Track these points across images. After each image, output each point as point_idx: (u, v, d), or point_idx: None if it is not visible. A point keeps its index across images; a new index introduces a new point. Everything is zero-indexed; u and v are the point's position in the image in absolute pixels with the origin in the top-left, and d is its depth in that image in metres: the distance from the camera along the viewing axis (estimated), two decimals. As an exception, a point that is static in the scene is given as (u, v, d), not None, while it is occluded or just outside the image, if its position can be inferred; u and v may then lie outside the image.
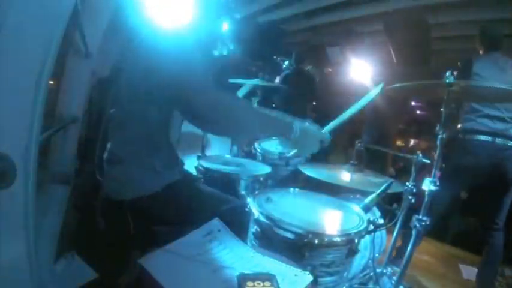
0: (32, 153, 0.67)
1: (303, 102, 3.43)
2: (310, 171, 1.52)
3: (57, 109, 1.42)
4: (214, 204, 1.16)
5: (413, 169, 1.44)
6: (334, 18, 3.59)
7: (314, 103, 4.38)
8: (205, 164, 1.55)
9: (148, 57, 1.02)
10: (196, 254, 0.85)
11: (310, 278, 0.81)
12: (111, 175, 1.12)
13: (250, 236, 1.05)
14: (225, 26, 3.25)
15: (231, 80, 2.35)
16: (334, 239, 0.95)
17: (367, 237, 1.14)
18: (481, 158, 1.94)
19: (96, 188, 1.16)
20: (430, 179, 1.29)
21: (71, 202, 1.42)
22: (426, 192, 1.30)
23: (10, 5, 0.59)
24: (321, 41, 4.09)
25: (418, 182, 1.35)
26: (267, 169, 1.68)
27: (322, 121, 1.24)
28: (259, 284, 0.73)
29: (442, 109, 1.29)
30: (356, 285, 1.41)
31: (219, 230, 0.95)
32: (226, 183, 1.49)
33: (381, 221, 1.33)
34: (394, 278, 1.46)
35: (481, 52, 2.18)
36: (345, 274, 1.02)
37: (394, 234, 1.57)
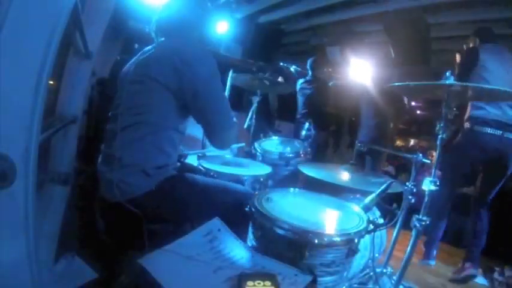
0: (32, 153, 0.67)
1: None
2: (310, 171, 1.52)
3: (57, 109, 1.42)
4: (212, 197, 1.16)
5: (413, 169, 1.44)
6: (334, 18, 3.59)
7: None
8: (206, 164, 1.55)
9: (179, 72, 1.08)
10: (196, 254, 0.85)
11: (310, 277, 0.81)
12: (105, 176, 1.12)
13: (250, 236, 1.05)
14: (225, 27, 3.25)
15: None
16: (334, 239, 0.95)
17: (367, 237, 1.13)
18: (489, 152, 1.94)
19: (96, 188, 1.16)
20: (430, 179, 1.29)
21: (71, 202, 1.42)
22: (426, 192, 1.31)
23: (10, 5, 0.59)
24: (321, 41, 4.09)
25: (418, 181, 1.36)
26: (267, 169, 1.68)
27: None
28: (259, 283, 0.73)
29: (442, 109, 1.28)
30: (356, 285, 1.41)
31: (219, 230, 0.96)
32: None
33: (381, 221, 1.33)
34: (394, 277, 1.46)
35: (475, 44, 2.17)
36: (344, 274, 1.02)
37: (394, 234, 1.57)
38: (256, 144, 2.03)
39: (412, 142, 6.66)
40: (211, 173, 1.48)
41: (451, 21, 3.10)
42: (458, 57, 2.24)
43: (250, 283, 0.73)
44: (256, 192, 1.19)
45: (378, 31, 3.40)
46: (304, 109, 3.51)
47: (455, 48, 3.58)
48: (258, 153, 1.98)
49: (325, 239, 0.93)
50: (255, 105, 2.19)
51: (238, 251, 0.90)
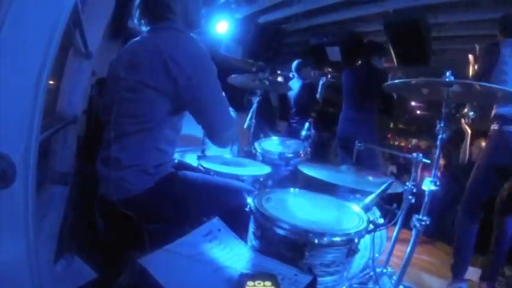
0: (32, 153, 0.67)
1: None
2: (310, 171, 1.52)
3: (57, 109, 1.42)
4: (212, 195, 1.16)
5: (413, 169, 1.44)
6: (334, 18, 3.59)
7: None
8: (206, 164, 1.55)
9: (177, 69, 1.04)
10: (196, 254, 0.85)
11: (310, 277, 0.81)
12: (104, 176, 1.12)
13: (250, 235, 1.05)
14: (225, 27, 3.25)
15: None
16: (334, 239, 0.95)
17: (367, 237, 1.13)
18: None
19: (96, 188, 1.16)
20: (430, 179, 1.29)
21: (71, 202, 1.42)
22: (426, 192, 1.31)
23: (10, 4, 0.59)
24: (321, 41, 4.09)
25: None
26: (267, 169, 1.68)
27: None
28: (259, 283, 0.73)
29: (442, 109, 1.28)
30: (356, 285, 1.41)
31: (219, 230, 0.96)
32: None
33: (381, 220, 1.33)
34: (394, 277, 1.46)
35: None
36: (344, 274, 1.02)
37: (394, 234, 1.57)
38: (256, 144, 2.03)
39: (413, 142, 6.66)
40: (211, 173, 1.48)
41: (451, 21, 3.10)
42: (472, 58, 2.11)
43: (250, 283, 0.73)
44: (256, 192, 1.19)
45: (378, 31, 3.39)
46: (293, 108, 3.62)
47: (455, 48, 3.60)
48: (257, 153, 1.98)
49: (325, 239, 0.93)
50: (255, 105, 2.19)
51: (238, 251, 0.90)
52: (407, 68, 3.43)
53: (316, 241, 0.92)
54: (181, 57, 1.05)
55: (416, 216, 1.31)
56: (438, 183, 1.29)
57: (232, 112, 1.22)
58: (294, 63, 3.61)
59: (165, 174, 1.13)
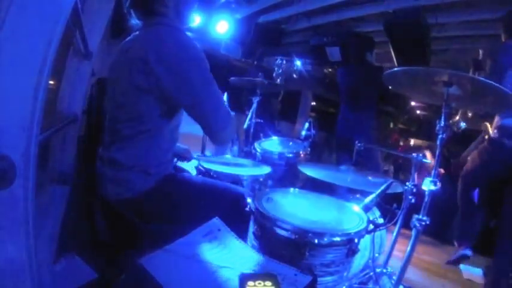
0: (32, 153, 0.67)
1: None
2: (310, 171, 1.52)
3: (57, 109, 1.42)
4: (211, 196, 1.16)
5: (412, 169, 1.44)
6: (334, 18, 3.58)
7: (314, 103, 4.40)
8: (205, 164, 1.55)
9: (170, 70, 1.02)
10: (196, 254, 0.85)
11: (310, 277, 0.81)
12: (105, 175, 1.12)
13: (250, 235, 1.05)
14: (225, 27, 3.25)
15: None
16: (334, 239, 0.95)
17: (367, 237, 1.13)
18: None
19: (96, 188, 1.16)
20: (430, 178, 1.29)
21: (71, 202, 1.42)
22: (426, 192, 1.30)
23: (10, 4, 0.59)
24: (321, 41, 4.09)
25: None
26: (267, 169, 1.68)
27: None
28: (260, 283, 0.73)
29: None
30: (356, 285, 1.41)
31: (219, 230, 0.95)
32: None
33: (381, 220, 1.33)
34: (394, 277, 1.46)
35: (503, 39, 2.00)
36: (344, 274, 1.02)
37: (394, 234, 1.57)
38: (256, 144, 2.03)
39: (412, 142, 6.66)
40: (211, 173, 1.48)
41: (451, 21, 3.10)
42: (482, 54, 2.03)
43: (250, 283, 0.73)
44: (257, 192, 1.19)
45: (378, 31, 3.39)
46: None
47: (455, 48, 3.60)
48: (257, 153, 1.98)
49: (325, 239, 0.93)
50: (254, 105, 2.19)
51: (238, 251, 0.90)
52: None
53: (316, 241, 0.92)
54: (168, 55, 1.02)
55: (416, 216, 1.31)
56: (438, 183, 1.29)
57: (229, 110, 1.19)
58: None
59: (165, 175, 1.13)
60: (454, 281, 2.12)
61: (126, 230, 1.13)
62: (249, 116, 2.20)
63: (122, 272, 0.95)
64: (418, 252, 2.16)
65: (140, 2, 1.12)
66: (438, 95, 1.28)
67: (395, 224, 1.36)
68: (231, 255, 0.87)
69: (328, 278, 0.96)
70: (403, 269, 1.36)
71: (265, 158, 1.94)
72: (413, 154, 1.46)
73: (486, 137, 2.04)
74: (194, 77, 1.04)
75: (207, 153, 2.15)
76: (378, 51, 3.33)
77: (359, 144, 1.70)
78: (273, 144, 2.10)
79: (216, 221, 0.98)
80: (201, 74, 1.06)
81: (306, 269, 0.87)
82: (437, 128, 1.28)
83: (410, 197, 1.35)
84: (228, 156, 1.97)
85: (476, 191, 2.08)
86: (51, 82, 1.43)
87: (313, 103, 5.44)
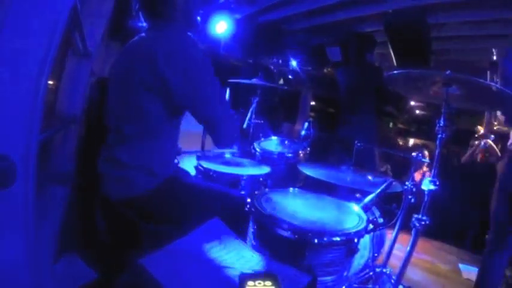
0: (32, 153, 0.67)
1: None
2: (310, 171, 1.52)
3: (57, 109, 1.42)
4: (211, 198, 1.16)
5: (412, 168, 1.44)
6: (334, 18, 3.58)
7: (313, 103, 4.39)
8: (205, 164, 1.55)
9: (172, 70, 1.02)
10: (196, 254, 0.85)
11: (309, 277, 0.81)
12: (108, 175, 1.12)
13: (250, 235, 1.05)
14: (225, 27, 3.25)
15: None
16: (334, 239, 0.95)
17: (367, 237, 1.14)
18: None
19: (96, 188, 1.16)
20: (430, 178, 1.29)
21: (71, 202, 1.42)
22: (426, 192, 1.31)
23: (10, 5, 0.59)
24: (321, 41, 4.09)
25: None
26: (267, 169, 1.68)
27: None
28: (260, 283, 0.73)
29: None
30: (355, 285, 1.41)
31: (219, 230, 0.96)
32: (226, 183, 1.49)
33: (381, 220, 1.33)
34: (394, 277, 1.46)
35: None
36: (344, 273, 1.02)
37: (394, 234, 1.57)
38: (255, 144, 2.03)
39: (412, 142, 6.67)
40: (211, 173, 1.49)
41: (451, 22, 3.10)
42: (496, 53, 2.00)
43: (250, 283, 0.73)
44: (256, 192, 1.19)
45: (378, 31, 3.39)
46: None
47: (455, 48, 3.60)
48: (257, 153, 1.98)
49: (325, 239, 0.93)
50: (254, 105, 2.19)
51: (238, 251, 0.90)
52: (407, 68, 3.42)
53: (316, 241, 0.92)
54: (177, 57, 1.03)
55: (416, 216, 1.32)
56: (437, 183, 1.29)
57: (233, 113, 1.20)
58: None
59: (168, 175, 1.13)
60: (454, 281, 2.12)
61: (126, 230, 1.13)
62: (248, 116, 2.20)
63: (122, 272, 0.95)
64: (418, 252, 2.17)
65: (150, 5, 1.13)
66: (438, 95, 1.29)
67: (395, 223, 1.37)
68: (231, 255, 0.87)
69: (328, 278, 0.96)
70: (403, 269, 1.36)
71: (264, 158, 1.94)
72: (413, 154, 1.46)
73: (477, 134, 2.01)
74: (201, 80, 1.07)
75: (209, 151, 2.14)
76: (378, 52, 3.33)
77: (359, 144, 1.70)
78: (272, 144, 2.10)
79: (216, 221, 0.98)
80: (208, 77, 1.09)
81: (305, 269, 0.87)
82: (436, 128, 1.28)
83: (410, 196, 1.35)
84: (228, 155, 1.97)
85: None
86: (51, 82, 1.43)
87: (313, 103, 5.45)
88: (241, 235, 1.01)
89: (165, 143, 1.14)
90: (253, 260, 0.87)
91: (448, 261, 2.40)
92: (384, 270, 1.58)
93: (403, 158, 1.52)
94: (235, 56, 3.96)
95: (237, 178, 1.53)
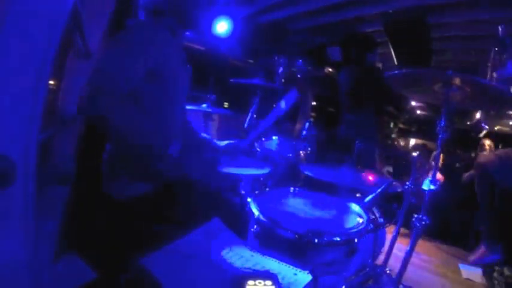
0: (32, 153, 0.67)
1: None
2: (310, 171, 1.52)
3: (57, 109, 1.42)
4: (213, 201, 1.16)
5: (412, 168, 1.44)
6: (334, 18, 3.58)
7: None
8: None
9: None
10: (196, 254, 0.85)
11: (309, 277, 0.81)
12: (110, 175, 1.12)
13: (250, 235, 1.05)
14: (226, 26, 3.25)
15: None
16: (334, 239, 0.95)
17: (367, 237, 1.14)
18: None
19: (96, 188, 1.16)
20: (430, 178, 1.29)
21: (71, 202, 1.42)
22: (426, 192, 1.31)
23: (10, 5, 0.59)
24: (321, 41, 4.09)
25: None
26: (267, 169, 1.68)
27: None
28: (260, 283, 0.73)
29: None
30: (356, 285, 1.41)
31: (219, 230, 0.96)
32: (226, 183, 1.49)
33: (381, 220, 1.33)
34: (394, 277, 1.46)
35: None
36: (344, 273, 1.02)
37: (394, 234, 1.57)
38: (256, 144, 2.03)
39: (412, 142, 6.66)
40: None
41: (452, 22, 3.10)
42: (501, 30, 1.89)
43: (251, 283, 0.73)
44: (257, 192, 1.19)
45: (378, 31, 3.39)
46: None
47: (455, 48, 3.60)
48: (258, 153, 1.98)
49: (325, 239, 0.93)
50: (255, 105, 2.19)
51: (238, 251, 0.90)
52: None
53: (316, 241, 0.92)
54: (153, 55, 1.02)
55: (416, 216, 1.32)
56: (438, 183, 1.29)
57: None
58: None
59: (170, 176, 1.13)
60: (454, 280, 2.12)
61: (126, 230, 1.13)
62: (249, 116, 2.20)
63: (122, 272, 0.95)
64: (418, 252, 2.17)
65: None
66: (439, 95, 1.29)
67: (395, 223, 1.37)
68: (230, 255, 0.87)
69: (328, 278, 0.96)
70: (403, 269, 1.36)
71: (265, 158, 1.94)
72: (414, 154, 1.46)
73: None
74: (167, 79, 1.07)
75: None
76: (379, 52, 3.32)
77: (359, 144, 1.70)
78: (273, 144, 2.10)
79: (216, 221, 0.98)
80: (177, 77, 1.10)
81: (306, 269, 0.87)
82: (437, 128, 1.28)
83: (410, 196, 1.35)
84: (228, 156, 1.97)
85: None
86: (51, 82, 1.43)
87: (314, 103, 5.44)
88: (241, 235, 1.01)
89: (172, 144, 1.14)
90: (253, 259, 0.87)
91: (448, 261, 2.39)
92: (385, 270, 1.58)
93: (404, 158, 1.52)
94: (236, 56, 3.96)
95: (237, 178, 1.53)
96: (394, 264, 1.62)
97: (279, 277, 0.77)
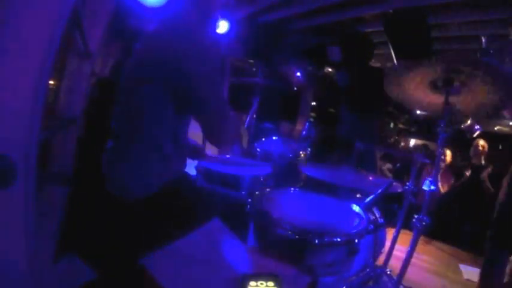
0: (32, 153, 0.67)
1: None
2: (310, 171, 1.52)
3: (57, 109, 1.42)
4: (214, 202, 1.16)
5: (413, 168, 1.44)
6: (334, 18, 3.59)
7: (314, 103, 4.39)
8: (205, 164, 1.54)
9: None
10: (197, 254, 0.85)
11: (310, 277, 0.81)
12: (112, 175, 1.12)
13: (251, 236, 1.05)
14: (226, 27, 3.25)
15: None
16: (335, 239, 0.95)
17: (367, 237, 1.13)
18: None
19: (96, 188, 1.16)
20: (430, 179, 1.29)
21: (71, 202, 1.42)
22: (426, 192, 1.30)
23: (10, 5, 0.59)
24: (321, 41, 4.09)
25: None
26: (267, 169, 1.68)
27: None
28: (262, 283, 0.73)
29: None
30: (356, 285, 1.41)
31: (220, 230, 0.95)
32: (226, 183, 1.49)
33: (381, 221, 1.33)
34: (394, 278, 1.45)
35: None
36: (345, 274, 1.02)
37: (394, 234, 1.57)
38: (256, 144, 2.03)
39: (412, 142, 6.66)
40: (211, 173, 1.48)
41: (452, 22, 3.10)
42: (485, 42, 1.91)
43: (252, 283, 0.73)
44: (257, 192, 1.19)
45: (378, 31, 3.39)
46: None
47: (455, 48, 3.59)
48: (258, 153, 1.98)
49: (326, 239, 0.93)
50: (255, 105, 2.19)
51: (238, 251, 0.90)
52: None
53: (316, 241, 0.92)
54: (180, 51, 1.00)
55: (417, 216, 1.31)
56: (438, 183, 1.29)
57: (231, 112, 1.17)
58: None
59: (171, 177, 1.13)
60: (454, 281, 2.12)
61: (127, 230, 1.13)
62: (249, 116, 2.20)
63: (122, 272, 0.95)
64: (418, 252, 2.17)
65: None
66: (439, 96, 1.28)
67: (395, 224, 1.36)
68: (231, 255, 0.87)
69: (329, 278, 0.96)
70: (403, 269, 1.36)
71: (265, 158, 1.94)
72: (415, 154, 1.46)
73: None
74: (202, 77, 1.03)
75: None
76: (379, 52, 3.32)
77: (359, 145, 1.70)
78: (273, 144, 2.10)
79: (216, 221, 0.98)
80: (210, 74, 1.05)
81: (306, 269, 0.87)
82: (438, 128, 1.28)
83: (410, 196, 1.35)
84: (228, 156, 1.97)
85: None
86: (51, 82, 1.43)
87: (313, 103, 5.44)
88: (242, 235, 1.01)
89: (169, 148, 1.13)
90: (253, 260, 0.86)
91: (449, 261, 2.39)
92: (385, 270, 1.58)
93: (404, 158, 1.52)
94: (236, 57, 3.96)
95: (237, 178, 1.52)
96: (395, 264, 1.62)
97: (280, 277, 0.77)
